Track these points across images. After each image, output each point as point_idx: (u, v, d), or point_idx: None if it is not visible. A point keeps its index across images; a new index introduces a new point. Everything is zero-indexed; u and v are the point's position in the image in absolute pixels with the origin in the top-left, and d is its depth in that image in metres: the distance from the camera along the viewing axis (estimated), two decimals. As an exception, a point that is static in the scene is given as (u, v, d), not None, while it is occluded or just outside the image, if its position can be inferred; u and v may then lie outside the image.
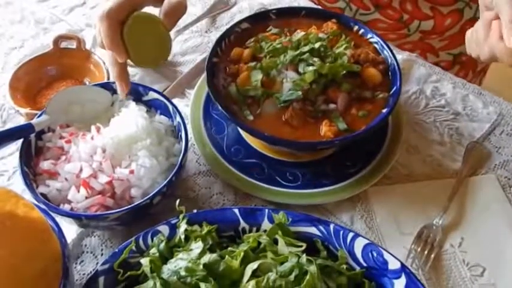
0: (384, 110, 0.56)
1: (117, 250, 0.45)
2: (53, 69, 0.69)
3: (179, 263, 0.41)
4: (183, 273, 0.40)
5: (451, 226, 0.56)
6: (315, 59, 0.57)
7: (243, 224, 0.48)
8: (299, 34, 0.61)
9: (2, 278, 0.38)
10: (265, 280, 0.38)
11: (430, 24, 0.81)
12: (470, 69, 0.89)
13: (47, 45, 0.77)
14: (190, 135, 0.62)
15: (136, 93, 0.60)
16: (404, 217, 0.56)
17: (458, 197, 0.58)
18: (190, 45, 0.80)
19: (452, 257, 0.53)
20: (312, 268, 0.41)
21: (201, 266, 0.40)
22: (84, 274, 0.51)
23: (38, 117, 0.54)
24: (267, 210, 0.48)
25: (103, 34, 0.51)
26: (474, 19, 0.80)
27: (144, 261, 0.42)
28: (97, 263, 0.52)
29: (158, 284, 0.40)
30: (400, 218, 0.56)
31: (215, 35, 0.81)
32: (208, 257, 0.40)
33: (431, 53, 0.85)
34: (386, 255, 0.44)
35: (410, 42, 0.84)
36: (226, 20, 0.84)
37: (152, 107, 0.60)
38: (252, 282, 0.38)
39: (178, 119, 0.56)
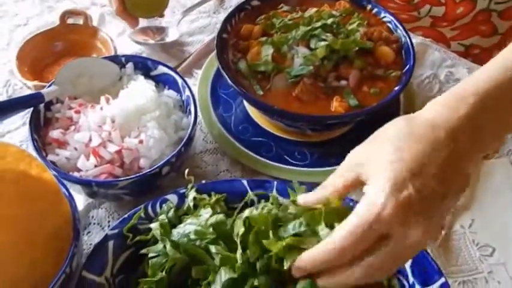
0: (396, 88, 0.59)
1: (126, 216, 0.48)
2: (59, 45, 0.73)
3: (188, 227, 0.44)
4: (192, 236, 0.43)
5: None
6: (328, 35, 0.59)
7: (251, 195, 0.50)
8: (311, 10, 0.64)
9: (16, 237, 0.41)
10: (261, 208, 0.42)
11: (441, 11, 0.83)
12: (484, 63, 0.91)
13: (52, 23, 0.81)
14: (198, 112, 0.65)
15: (145, 68, 0.63)
16: (414, 197, 0.59)
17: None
18: (197, 25, 0.84)
19: (462, 237, 0.56)
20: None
21: (210, 229, 0.43)
22: (91, 244, 0.55)
23: (48, 87, 0.57)
24: (275, 182, 0.51)
25: None
26: (487, 10, 0.82)
27: (154, 225, 0.45)
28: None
29: (168, 245, 0.42)
30: (410, 198, 0.59)
31: (223, 16, 0.84)
32: (215, 218, 0.43)
33: (442, 43, 0.88)
34: (395, 228, 0.47)
35: (421, 28, 0.86)
36: (235, 1, 0.87)
37: (160, 82, 0.63)
38: (247, 211, 0.41)
39: (187, 92, 0.59)
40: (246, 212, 0.42)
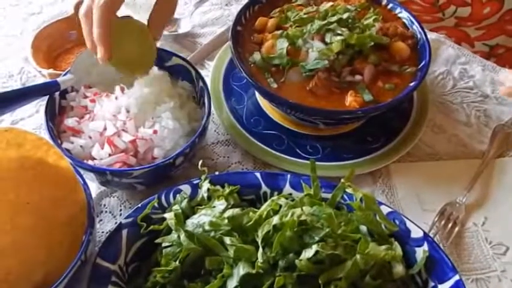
0: (412, 84, 0.58)
1: (140, 205, 0.48)
2: (74, 34, 0.72)
3: (202, 218, 0.44)
4: (207, 227, 0.43)
5: (475, 205, 0.58)
6: (343, 29, 0.59)
7: (264, 188, 0.50)
8: (327, 5, 0.64)
9: (34, 223, 0.41)
10: (290, 214, 0.41)
11: (467, 11, 0.82)
12: (507, 63, 0.90)
13: (65, 12, 0.81)
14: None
15: (159, 59, 0.62)
16: (426, 194, 0.59)
17: (483, 177, 0.60)
18: (210, 17, 0.83)
19: (474, 235, 0.56)
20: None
21: (225, 221, 0.43)
22: (103, 232, 0.55)
23: (63, 76, 0.57)
24: (288, 175, 0.50)
25: (97, 23, 0.49)
26: None
27: (169, 215, 0.45)
28: (116, 223, 0.55)
29: (183, 235, 0.42)
30: (422, 194, 0.59)
31: (236, 8, 0.84)
32: (232, 211, 0.43)
33: (466, 43, 0.87)
34: (408, 224, 0.47)
35: (444, 28, 0.85)
36: (248, -7, 0.86)
37: (174, 73, 0.63)
38: (276, 217, 0.41)
39: (201, 84, 0.59)
40: (276, 219, 0.41)
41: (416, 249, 0.45)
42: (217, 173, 0.51)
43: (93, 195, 0.57)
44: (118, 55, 0.52)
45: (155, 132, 0.53)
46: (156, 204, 0.48)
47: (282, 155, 0.61)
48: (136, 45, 0.54)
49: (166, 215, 0.46)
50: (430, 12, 0.84)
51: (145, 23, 0.69)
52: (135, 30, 0.54)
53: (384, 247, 0.43)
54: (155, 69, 0.61)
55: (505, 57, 0.89)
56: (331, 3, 0.65)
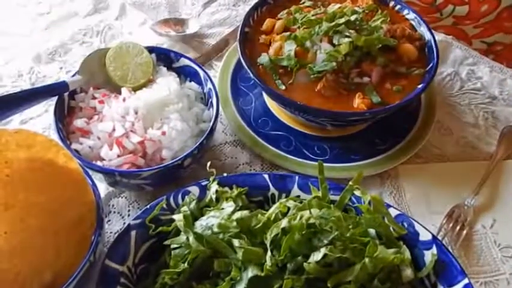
0: (420, 86, 0.58)
1: (148, 207, 0.47)
2: (82, 34, 0.72)
3: (211, 220, 0.44)
4: (215, 229, 0.42)
5: (483, 207, 0.57)
6: (351, 31, 0.58)
7: (272, 189, 0.50)
8: (334, 6, 0.63)
9: (42, 224, 0.41)
10: (298, 217, 0.41)
11: (465, 10, 0.81)
12: (505, 60, 0.90)
13: (74, 13, 0.81)
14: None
15: (167, 60, 0.62)
16: (434, 196, 0.58)
17: (492, 179, 0.59)
18: (217, 18, 0.83)
19: (483, 237, 0.55)
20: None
21: (234, 223, 0.42)
22: (111, 233, 0.55)
23: (72, 77, 0.57)
24: (297, 177, 0.50)
25: None
26: None
27: (177, 216, 0.45)
28: (124, 223, 0.55)
29: (191, 237, 0.42)
30: (430, 196, 0.58)
31: (243, 9, 0.84)
32: (240, 213, 0.43)
33: (464, 41, 0.86)
34: (417, 227, 0.46)
35: (442, 27, 0.84)
36: (255, -6, 0.86)
37: (182, 74, 0.62)
38: (285, 220, 0.40)
39: (209, 85, 0.58)
40: (284, 222, 0.41)
41: (425, 252, 0.45)
42: (225, 174, 0.51)
43: (102, 195, 0.57)
44: (121, 74, 0.58)
45: (163, 133, 0.52)
46: (164, 206, 0.47)
47: (290, 156, 0.61)
48: (134, 60, 0.58)
49: (174, 217, 0.45)
50: (427, 12, 0.83)
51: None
52: (131, 48, 0.59)
53: (392, 250, 0.43)
54: (163, 70, 0.61)
55: (503, 54, 0.89)
56: (338, 5, 0.64)
